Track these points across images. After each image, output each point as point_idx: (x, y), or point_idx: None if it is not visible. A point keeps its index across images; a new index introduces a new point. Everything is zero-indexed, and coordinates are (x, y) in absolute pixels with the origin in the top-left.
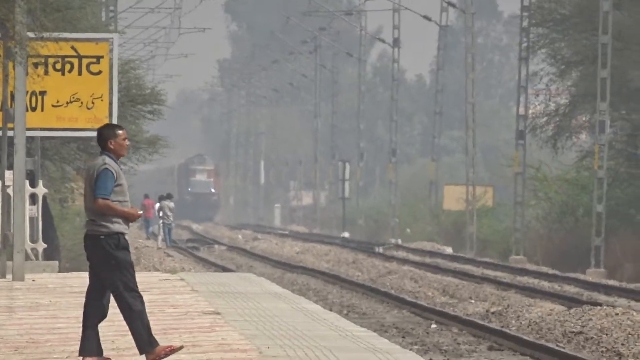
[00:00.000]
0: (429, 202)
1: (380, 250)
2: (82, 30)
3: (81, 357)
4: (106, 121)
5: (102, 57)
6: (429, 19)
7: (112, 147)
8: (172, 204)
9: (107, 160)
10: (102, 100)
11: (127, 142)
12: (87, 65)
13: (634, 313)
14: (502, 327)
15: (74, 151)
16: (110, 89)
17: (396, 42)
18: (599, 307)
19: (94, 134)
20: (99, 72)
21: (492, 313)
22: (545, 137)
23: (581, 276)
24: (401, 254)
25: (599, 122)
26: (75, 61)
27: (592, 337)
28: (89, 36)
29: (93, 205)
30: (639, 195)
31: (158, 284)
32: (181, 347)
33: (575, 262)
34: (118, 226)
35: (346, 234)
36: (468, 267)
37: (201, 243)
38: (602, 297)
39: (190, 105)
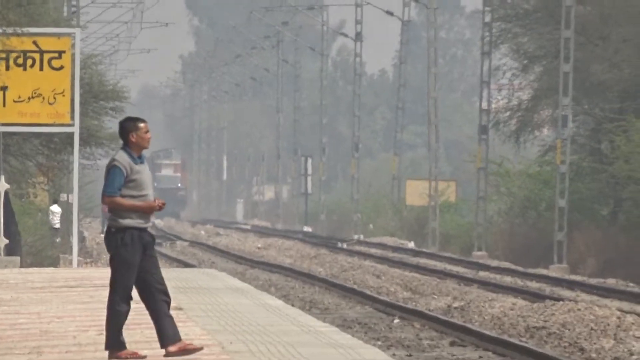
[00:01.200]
0: (391, 197)
1: (344, 246)
2: (44, 25)
3: (163, 349)
4: (68, 117)
5: (64, 52)
6: (392, 14)
7: (133, 140)
8: None
9: (118, 156)
10: (63, 95)
11: (149, 135)
12: (49, 61)
13: (597, 308)
14: (464, 322)
15: (37, 147)
16: (72, 84)
17: (359, 37)
18: (561, 302)
19: (56, 129)
20: (61, 67)
21: (455, 308)
22: (508, 131)
23: (544, 271)
24: (363, 249)
25: (561, 116)
26: (37, 56)
27: (554, 332)
28: (50, 31)
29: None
30: (602, 189)
31: None
32: (144, 357)
33: (538, 257)
34: (129, 221)
35: (308, 229)
36: (430, 262)
37: (163, 239)
38: (565, 293)
39: (152, 101)
